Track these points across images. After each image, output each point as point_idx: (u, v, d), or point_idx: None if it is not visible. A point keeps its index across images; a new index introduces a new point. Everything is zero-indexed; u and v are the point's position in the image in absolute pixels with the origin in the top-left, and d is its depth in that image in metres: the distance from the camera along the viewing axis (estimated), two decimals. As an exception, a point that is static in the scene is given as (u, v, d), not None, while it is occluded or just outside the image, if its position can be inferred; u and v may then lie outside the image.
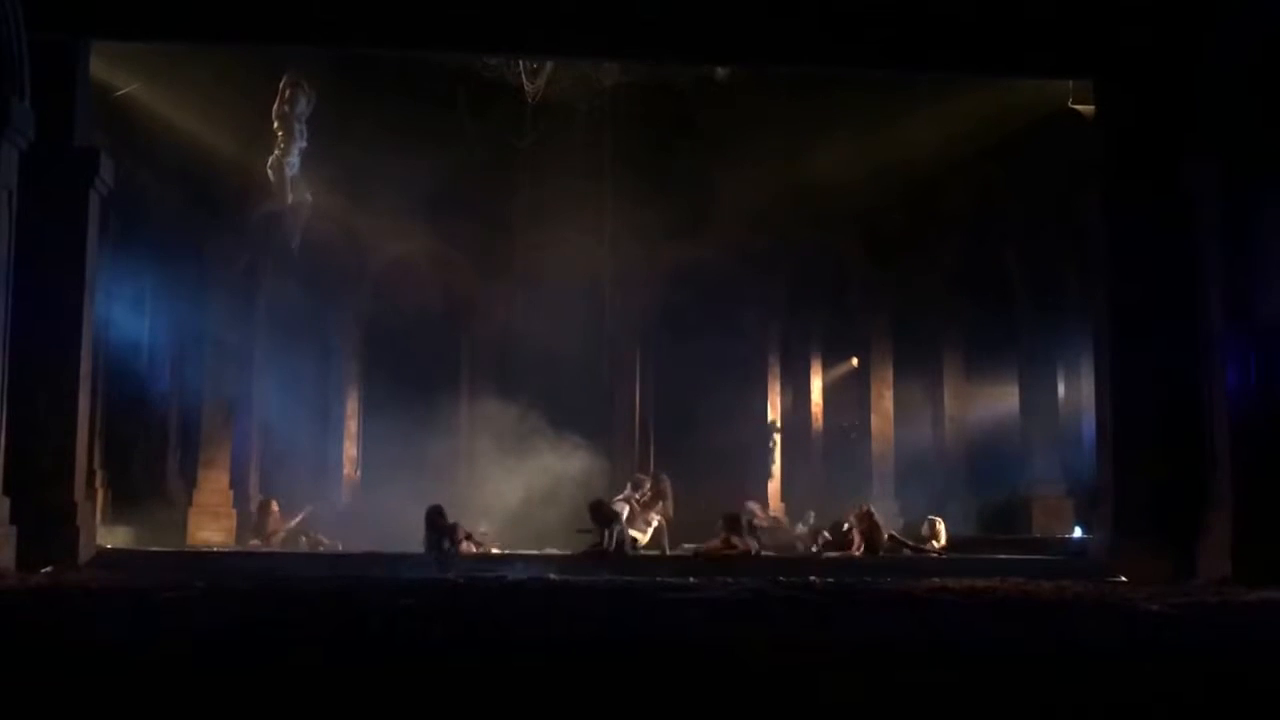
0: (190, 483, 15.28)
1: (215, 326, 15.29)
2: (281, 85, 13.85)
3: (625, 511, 13.37)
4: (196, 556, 12.71)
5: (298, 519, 14.53)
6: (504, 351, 17.10)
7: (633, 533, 13.29)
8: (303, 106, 13.79)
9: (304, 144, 13.97)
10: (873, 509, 13.75)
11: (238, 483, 15.40)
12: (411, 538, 12.47)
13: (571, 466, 14.76)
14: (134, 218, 13.79)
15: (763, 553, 12.83)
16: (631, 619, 6.89)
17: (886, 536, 13.49)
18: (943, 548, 13.60)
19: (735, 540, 12.61)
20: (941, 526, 13.86)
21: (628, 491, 13.81)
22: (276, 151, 13.92)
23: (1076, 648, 5.66)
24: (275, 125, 13.86)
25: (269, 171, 14.02)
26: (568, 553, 12.44)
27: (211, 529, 14.83)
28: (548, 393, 15.62)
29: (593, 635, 6.00)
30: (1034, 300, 16.26)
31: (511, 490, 14.51)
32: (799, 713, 3.84)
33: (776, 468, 17.23)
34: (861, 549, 13.28)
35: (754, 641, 5.78)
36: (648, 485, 13.97)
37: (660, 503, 13.74)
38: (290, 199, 14.17)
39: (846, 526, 13.70)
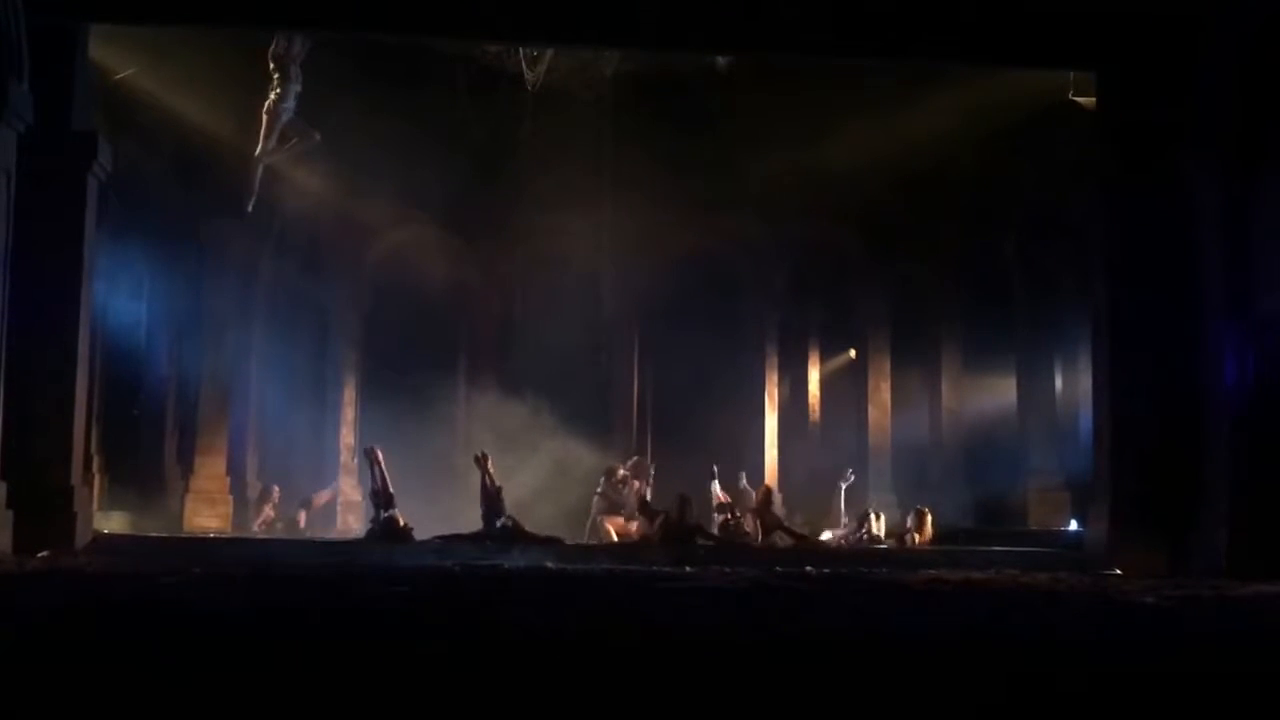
0: (187, 469, 15.27)
1: (213, 312, 15.26)
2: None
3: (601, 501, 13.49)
4: (193, 542, 12.72)
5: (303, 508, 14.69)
6: (503, 338, 17.10)
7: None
8: (299, 49, 13.65)
9: (299, 88, 13.83)
10: (771, 490, 13.60)
11: (235, 469, 15.38)
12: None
13: (568, 453, 14.76)
14: (132, 202, 13.74)
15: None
16: (628, 607, 6.90)
17: (776, 521, 13.27)
18: (926, 541, 13.44)
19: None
20: (929, 517, 13.71)
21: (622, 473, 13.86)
22: (273, 95, 13.79)
23: (1071, 640, 5.67)
24: (271, 67, 13.72)
25: (264, 116, 13.88)
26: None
27: (208, 515, 14.82)
28: (546, 380, 15.63)
29: (589, 623, 6.01)
30: (1032, 293, 16.28)
31: (509, 477, 14.49)
32: (795, 704, 3.85)
33: (773, 459, 17.22)
34: (760, 533, 13.11)
35: (750, 631, 5.79)
36: (619, 473, 13.93)
37: (633, 489, 13.65)
38: (281, 144, 13.98)
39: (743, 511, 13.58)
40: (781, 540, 13.15)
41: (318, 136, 14.16)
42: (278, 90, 13.66)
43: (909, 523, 13.74)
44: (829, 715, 3.70)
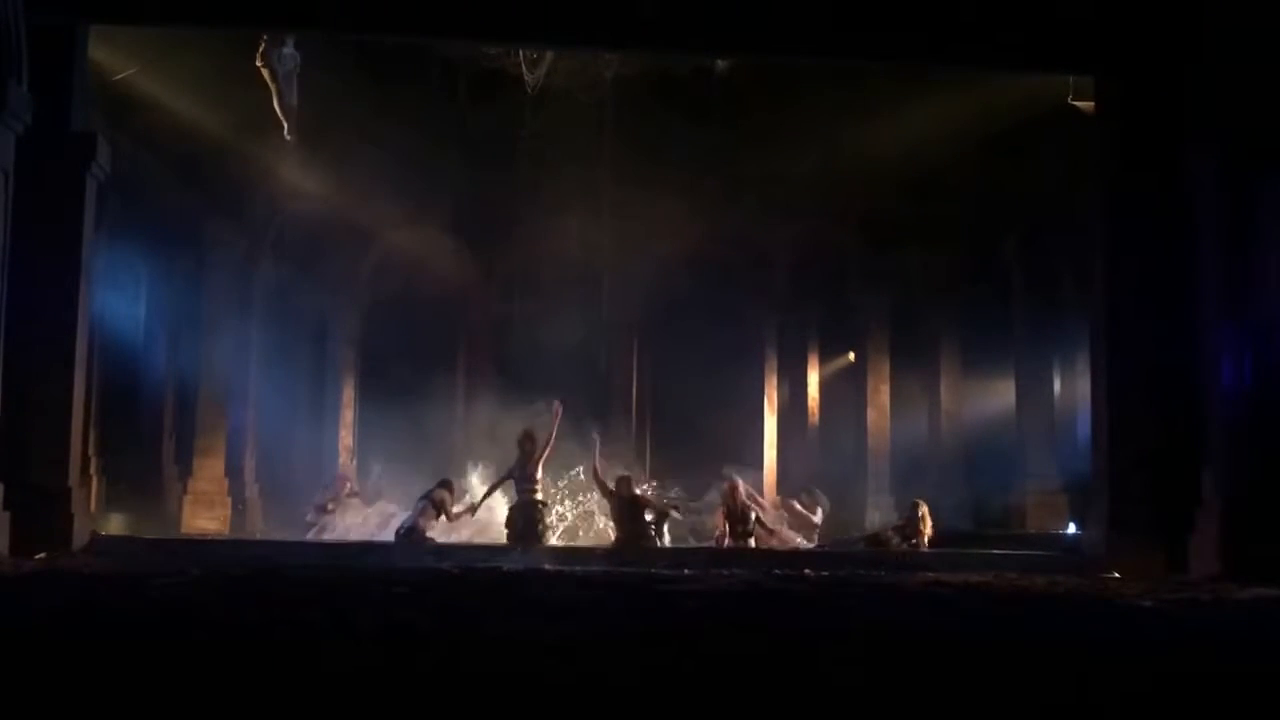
0: (185, 470, 15.28)
1: (212, 312, 15.27)
2: None
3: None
4: (191, 544, 12.71)
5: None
6: (501, 339, 17.13)
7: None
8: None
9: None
10: (739, 483, 13.06)
11: (233, 471, 15.39)
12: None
13: (567, 455, 14.74)
14: (131, 203, 13.75)
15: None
16: (628, 608, 6.90)
17: (755, 516, 12.87)
18: (917, 542, 13.22)
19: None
20: (925, 511, 13.47)
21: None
22: (263, 44, 13.62)
23: (1068, 643, 5.67)
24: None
25: (258, 64, 13.72)
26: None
27: (206, 517, 14.84)
28: (545, 380, 15.62)
29: (590, 624, 6.01)
30: (1031, 296, 16.32)
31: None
32: (793, 702, 3.85)
33: (772, 461, 17.25)
34: (726, 528, 12.79)
35: (749, 632, 5.79)
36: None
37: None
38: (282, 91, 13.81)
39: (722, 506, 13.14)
40: (760, 536, 12.93)
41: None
42: (267, 38, 13.39)
43: (905, 515, 13.58)
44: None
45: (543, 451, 12.41)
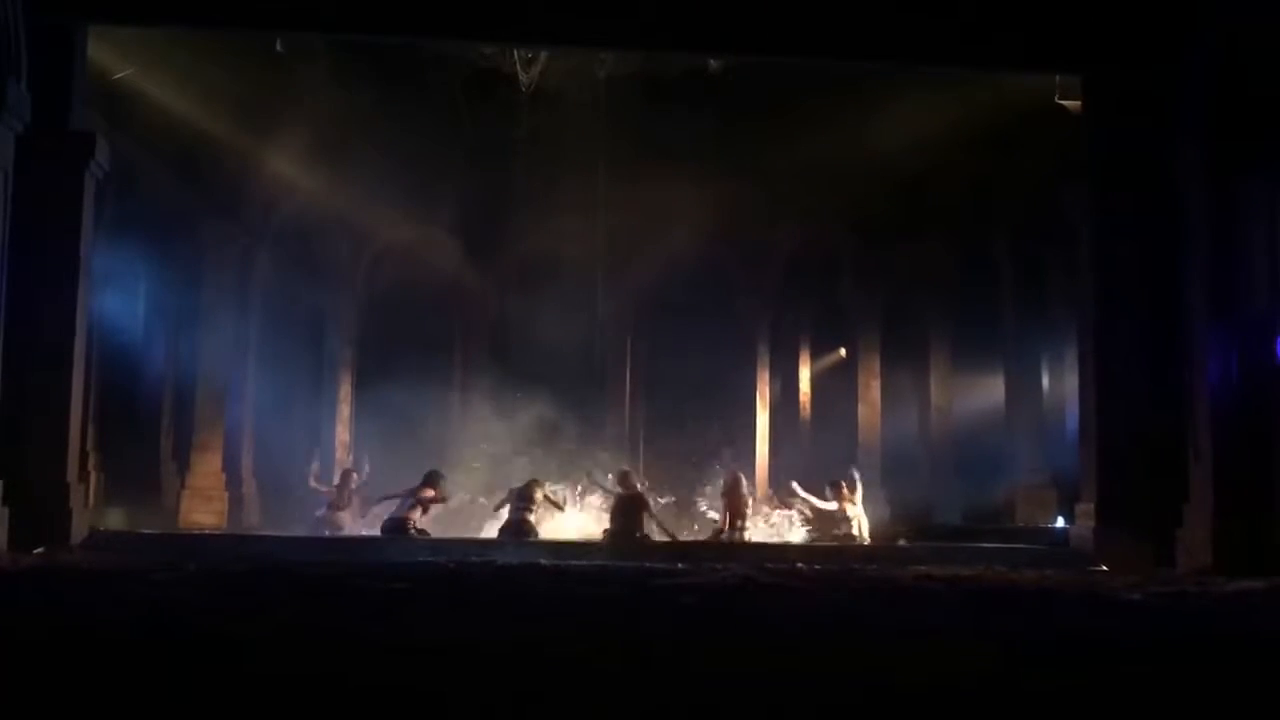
0: (183, 465, 15.32)
1: (209, 309, 15.31)
2: None
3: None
4: (189, 539, 12.78)
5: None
6: (497, 337, 17.18)
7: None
8: None
9: None
10: (741, 476, 13.53)
11: (230, 466, 15.44)
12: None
13: (563, 451, 14.84)
14: (129, 200, 13.79)
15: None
16: (624, 603, 6.98)
17: (750, 504, 13.30)
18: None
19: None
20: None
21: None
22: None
23: (1059, 637, 5.77)
24: None
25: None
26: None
27: (204, 512, 14.88)
28: (540, 378, 15.71)
29: (588, 621, 6.10)
30: (1020, 293, 16.43)
31: (504, 474, 14.59)
32: (791, 699, 3.94)
33: (764, 456, 17.33)
34: (728, 520, 13.19)
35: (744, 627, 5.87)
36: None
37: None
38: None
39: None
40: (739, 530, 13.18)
41: None
42: None
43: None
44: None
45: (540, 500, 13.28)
